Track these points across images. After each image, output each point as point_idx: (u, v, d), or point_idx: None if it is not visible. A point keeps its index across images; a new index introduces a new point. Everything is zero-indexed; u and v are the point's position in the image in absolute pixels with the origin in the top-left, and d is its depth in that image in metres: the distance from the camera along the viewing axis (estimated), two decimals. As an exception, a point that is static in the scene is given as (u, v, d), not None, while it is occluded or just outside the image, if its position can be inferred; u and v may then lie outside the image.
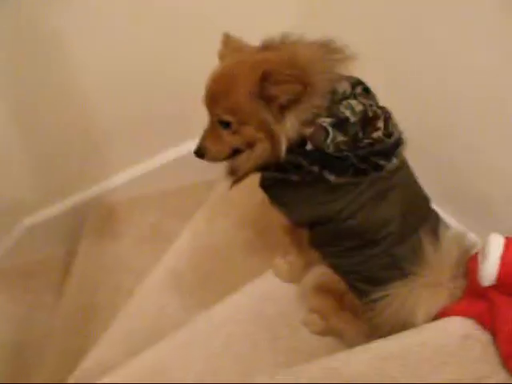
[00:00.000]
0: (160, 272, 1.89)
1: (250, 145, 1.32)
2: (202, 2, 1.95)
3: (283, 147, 1.27)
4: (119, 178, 2.32)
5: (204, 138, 1.37)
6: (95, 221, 2.25)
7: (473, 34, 1.56)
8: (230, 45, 1.38)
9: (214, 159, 1.38)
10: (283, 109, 1.24)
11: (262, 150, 1.31)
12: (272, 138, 1.27)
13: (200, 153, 1.38)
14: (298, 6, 2.08)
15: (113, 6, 1.79)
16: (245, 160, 1.36)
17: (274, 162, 1.31)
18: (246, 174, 1.39)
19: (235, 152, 1.36)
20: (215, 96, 1.31)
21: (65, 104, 1.96)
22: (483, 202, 1.76)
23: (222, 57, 1.39)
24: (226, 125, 1.30)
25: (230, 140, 1.33)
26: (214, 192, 2.12)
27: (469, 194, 1.80)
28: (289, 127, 1.25)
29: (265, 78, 1.20)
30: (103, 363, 1.63)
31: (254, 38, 1.37)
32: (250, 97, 1.24)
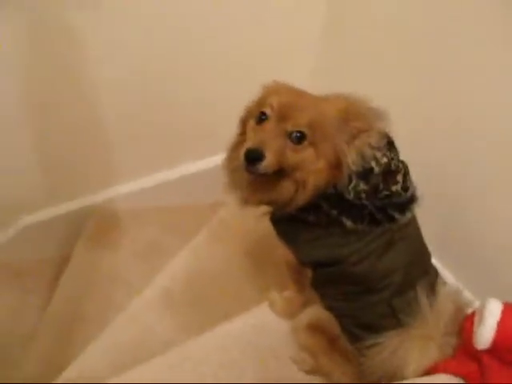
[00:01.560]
0: (154, 290, 1.87)
1: (297, 169, 1.30)
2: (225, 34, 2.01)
3: (345, 176, 1.29)
4: (123, 188, 2.30)
5: (265, 142, 1.25)
6: (93, 228, 2.22)
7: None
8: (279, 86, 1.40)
9: (268, 167, 1.25)
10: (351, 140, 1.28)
11: (320, 179, 1.30)
12: (336, 166, 1.29)
13: (258, 155, 1.23)
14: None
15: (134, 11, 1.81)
16: (289, 189, 1.32)
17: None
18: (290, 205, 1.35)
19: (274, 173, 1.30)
20: (303, 106, 1.29)
21: (79, 107, 1.96)
22: (484, 262, 1.78)
23: (271, 93, 1.37)
24: (299, 138, 1.27)
25: (291, 155, 1.28)
26: (217, 216, 2.12)
27: (471, 252, 1.82)
28: (353, 159, 1.28)
29: (352, 106, 1.29)
30: (86, 375, 1.60)
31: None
32: (337, 119, 1.27)
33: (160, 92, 2.05)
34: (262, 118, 1.32)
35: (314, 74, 2.22)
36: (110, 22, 1.79)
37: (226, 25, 1.99)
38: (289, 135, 1.28)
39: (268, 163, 1.24)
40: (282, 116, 1.28)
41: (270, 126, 1.29)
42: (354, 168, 1.29)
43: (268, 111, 1.30)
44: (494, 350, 1.28)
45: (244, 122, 1.43)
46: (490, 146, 1.64)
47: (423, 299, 1.37)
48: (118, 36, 1.83)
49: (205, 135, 2.17)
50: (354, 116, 1.28)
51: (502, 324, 1.26)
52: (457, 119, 1.73)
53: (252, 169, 1.26)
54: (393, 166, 1.34)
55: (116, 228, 2.24)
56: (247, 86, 1.37)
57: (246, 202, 1.42)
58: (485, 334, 1.27)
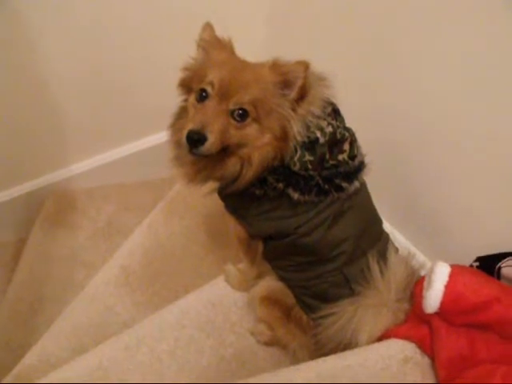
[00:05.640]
0: (111, 268, 1.80)
1: (242, 146, 1.25)
2: (174, 9, 1.92)
3: (291, 148, 1.23)
4: (79, 167, 2.21)
5: (207, 123, 1.19)
6: (50, 209, 2.12)
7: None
8: (212, 40, 1.31)
9: (211, 149, 1.19)
10: (296, 105, 1.22)
11: (265, 153, 1.24)
12: (282, 138, 1.23)
13: (200, 137, 1.17)
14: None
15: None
16: (235, 166, 1.27)
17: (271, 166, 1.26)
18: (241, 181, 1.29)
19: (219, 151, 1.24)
20: (242, 84, 1.21)
21: (30, 91, 1.87)
22: (434, 222, 1.76)
23: (206, 48, 1.30)
24: (242, 115, 1.21)
25: (235, 134, 1.22)
26: (172, 191, 2.05)
27: (422, 215, 1.80)
28: (298, 129, 1.23)
29: (286, 72, 1.20)
30: (46, 359, 1.54)
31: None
32: (276, 89, 1.21)
33: (111, 72, 1.97)
34: (202, 95, 1.24)
35: (265, 44, 2.15)
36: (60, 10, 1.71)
37: (176, 2, 1.91)
38: (231, 113, 1.21)
39: (211, 145, 1.19)
40: (223, 94, 1.21)
41: (211, 104, 1.22)
42: (299, 138, 1.23)
43: (209, 89, 1.22)
44: (443, 313, 1.27)
45: (184, 85, 1.35)
46: (436, 111, 1.61)
47: (374, 267, 1.36)
48: (70, 23, 1.76)
49: (157, 111, 2.07)
50: (285, 67, 1.21)
51: (449, 287, 1.25)
52: (404, 85, 1.68)
53: (195, 151, 1.20)
54: (338, 134, 1.28)
55: (73, 208, 2.16)
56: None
57: (191, 179, 1.36)
58: (433, 297, 1.26)
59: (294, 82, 1.20)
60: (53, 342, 1.62)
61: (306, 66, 1.18)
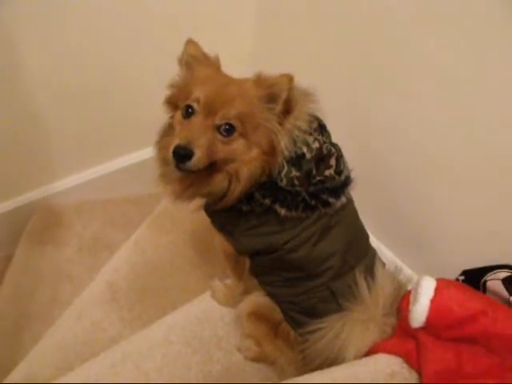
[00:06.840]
0: (98, 284, 1.79)
1: (229, 161, 1.24)
2: (160, 22, 1.93)
3: (279, 162, 1.24)
4: (65, 183, 2.19)
5: (193, 138, 1.18)
6: (36, 225, 2.10)
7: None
8: (198, 56, 1.31)
9: (198, 164, 1.19)
10: (283, 119, 1.22)
11: (253, 168, 1.24)
12: (270, 152, 1.23)
13: (187, 152, 1.17)
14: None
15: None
16: (222, 182, 1.27)
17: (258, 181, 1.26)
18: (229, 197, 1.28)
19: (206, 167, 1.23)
20: (227, 99, 1.21)
21: (14, 106, 1.85)
22: (420, 236, 1.77)
23: (192, 64, 1.31)
24: (228, 131, 1.21)
25: (222, 149, 1.22)
26: (158, 207, 2.04)
27: (408, 230, 1.81)
28: (285, 143, 1.23)
29: (271, 85, 1.21)
30: (32, 377, 1.52)
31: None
32: (262, 103, 1.22)
33: (98, 87, 1.96)
34: (188, 111, 1.24)
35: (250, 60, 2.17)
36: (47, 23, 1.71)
37: (161, 16, 1.92)
38: (217, 128, 1.21)
39: (198, 160, 1.18)
40: (209, 109, 1.21)
41: (197, 120, 1.22)
42: (286, 153, 1.23)
43: (194, 105, 1.23)
44: (429, 327, 1.27)
45: (171, 103, 1.35)
46: (423, 125, 1.62)
47: (361, 282, 1.35)
48: (57, 37, 1.76)
49: (143, 126, 2.06)
50: (269, 81, 1.22)
51: (435, 301, 1.25)
52: (390, 99, 1.70)
53: (182, 167, 1.19)
54: (325, 150, 1.29)
55: (59, 224, 2.13)
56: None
57: (178, 196, 1.35)
58: (419, 311, 1.26)
59: (279, 95, 1.20)
60: (39, 359, 1.60)
61: (289, 78, 1.19)
